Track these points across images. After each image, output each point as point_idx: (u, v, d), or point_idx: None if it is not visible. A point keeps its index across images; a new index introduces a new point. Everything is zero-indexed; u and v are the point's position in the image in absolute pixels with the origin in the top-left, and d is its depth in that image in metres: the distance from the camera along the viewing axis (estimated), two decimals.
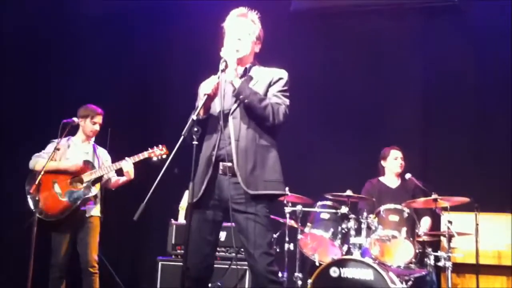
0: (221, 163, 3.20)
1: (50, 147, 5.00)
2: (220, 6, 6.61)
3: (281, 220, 5.20)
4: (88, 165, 4.97)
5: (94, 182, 4.94)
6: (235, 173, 3.16)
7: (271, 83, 3.31)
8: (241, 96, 3.17)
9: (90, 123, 5.09)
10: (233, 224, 3.25)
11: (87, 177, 4.89)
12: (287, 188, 5.09)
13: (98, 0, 6.64)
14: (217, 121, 3.21)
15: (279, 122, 3.21)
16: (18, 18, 6.49)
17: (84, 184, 4.88)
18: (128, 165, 4.96)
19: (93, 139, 5.19)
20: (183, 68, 6.90)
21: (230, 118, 3.22)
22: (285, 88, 3.34)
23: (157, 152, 5.00)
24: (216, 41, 6.47)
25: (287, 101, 3.31)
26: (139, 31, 6.94)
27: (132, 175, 5.04)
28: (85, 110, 5.12)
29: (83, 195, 4.86)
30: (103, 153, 5.23)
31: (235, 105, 3.24)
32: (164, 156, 5.01)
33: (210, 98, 3.16)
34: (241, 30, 3.34)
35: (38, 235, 4.47)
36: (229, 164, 3.16)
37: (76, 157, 5.01)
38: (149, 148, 5.03)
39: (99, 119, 5.13)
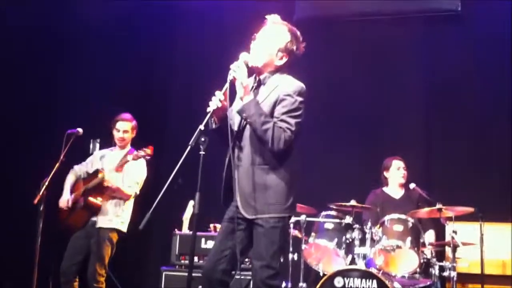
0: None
1: (89, 158, 5.14)
2: (223, 8, 6.74)
3: None
4: (94, 174, 4.95)
5: (92, 191, 4.86)
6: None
7: (276, 102, 3.15)
8: (244, 115, 3.10)
9: (115, 132, 5.05)
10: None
11: (88, 186, 4.89)
12: None
13: (99, 2, 6.65)
14: (231, 137, 3.16)
15: (279, 149, 3.06)
16: (20, 19, 6.49)
17: (85, 194, 4.88)
18: (105, 174, 4.83)
19: (128, 147, 5.12)
20: (186, 69, 6.95)
21: (238, 139, 3.18)
22: (293, 107, 3.13)
23: (141, 154, 4.76)
24: (219, 42, 6.49)
25: (293, 125, 3.10)
26: (141, 33, 6.95)
27: (109, 184, 4.82)
28: (113, 119, 5.08)
29: (79, 204, 4.86)
30: (132, 164, 4.95)
31: (243, 124, 3.19)
32: (147, 158, 4.80)
33: (219, 110, 3.10)
34: (264, 40, 3.24)
35: (43, 246, 4.48)
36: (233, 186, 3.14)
37: (103, 166, 4.99)
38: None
39: (120, 125, 5.04)
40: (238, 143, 3.19)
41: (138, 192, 5.00)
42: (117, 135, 5.05)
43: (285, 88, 3.17)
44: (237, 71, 3.10)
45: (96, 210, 4.89)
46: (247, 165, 3.13)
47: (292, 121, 3.12)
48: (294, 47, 3.26)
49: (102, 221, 4.89)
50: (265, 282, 3.06)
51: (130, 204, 5.02)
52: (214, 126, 3.19)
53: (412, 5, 6.50)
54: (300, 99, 3.16)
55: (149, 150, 4.75)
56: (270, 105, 3.16)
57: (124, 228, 4.99)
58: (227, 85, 3.11)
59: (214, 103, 3.07)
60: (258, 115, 3.06)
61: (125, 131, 5.05)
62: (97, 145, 5.20)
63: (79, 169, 5.13)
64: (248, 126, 3.17)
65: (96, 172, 4.94)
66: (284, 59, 3.26)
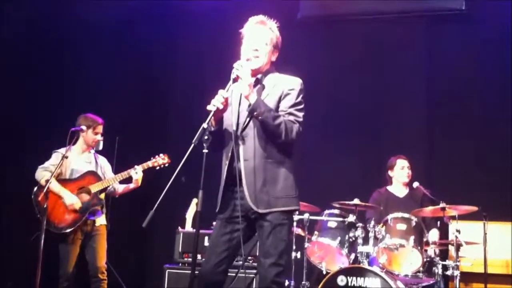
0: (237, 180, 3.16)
1: (54, 158, 4.94)
2: (225, 7, 6.74)
3: None
4: (94, 175, 4.96)
5: (100, 192, 4.96)
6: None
7: (281, 96, 3.23)
8: (255, 113, 3.11)
9: (92, 134, 5.02)
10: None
11: (94, 187, 4.89)
12: None
13: (100, 2, 6.64)
14: (231, 135, 3.18)
15: (292, 140, 3.16)
16: (21, 19, 6.50)
17: (92, 195, 4.88)
18: (137, 173, 4.99)
19: (93, 149, 5.18)
20: (187, 68, 6.95)
21: (241, 135, 3.19)
22: (298, 100, 3.25)
23: (160, 161, 5.03)
24: (221, 42, 6.50)
25: (301, 117, 3.23)
26: (141, 33, 6.94)
27: (139, 183, 5.08)
28: (85, 119, 5.02)
29: (91, 206, 4.86)
30: (104, 162, 5.19)
31: (247, 120, 3.20)
32: (166, 165, 5.03)
33: (219, 111, 3.11)
34: (259, 40, 3.28)
35: (46, 245, 4.48)
36: (239, 183, 3.14)
37: (80, 167, 4.98)
38: (151, 158, 5.05)
39: (100, 129, 5.08)
40: (240, 141, 3.19)
41: None
42: (95, 137, 5.04)
43: (288, 84, 3.28)
44: (240, 69, 3.12)
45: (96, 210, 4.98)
46: (255, 161, 3.15)
47: (299, 113, 3.24)
48: (280, 40, 3.37)
49: (100, 219, 5.02)
50: (274, 280, 3.10)
51: None
52: (212, 129, 3.17)
53: (416, 4, 6.49)
54: (302, 93, 3.28)
55: (167, 158, 5.07)
56: (275, 101, 3.22)
57: None
58: (230, 83, 3.11)
59: (218, 102, 3.07)
60: (269, 111, 3.12)
61: (102, 134, 5.12)
62: (101, 143, 5.18)
63: (54, 168, 4.83)
64: (251, 124, 3.19)
65: (94, 174, 4.97)
66: (276, 54, 3.37)
